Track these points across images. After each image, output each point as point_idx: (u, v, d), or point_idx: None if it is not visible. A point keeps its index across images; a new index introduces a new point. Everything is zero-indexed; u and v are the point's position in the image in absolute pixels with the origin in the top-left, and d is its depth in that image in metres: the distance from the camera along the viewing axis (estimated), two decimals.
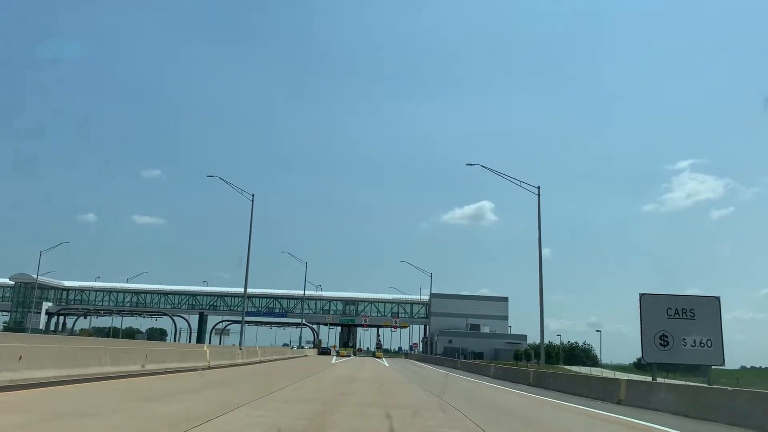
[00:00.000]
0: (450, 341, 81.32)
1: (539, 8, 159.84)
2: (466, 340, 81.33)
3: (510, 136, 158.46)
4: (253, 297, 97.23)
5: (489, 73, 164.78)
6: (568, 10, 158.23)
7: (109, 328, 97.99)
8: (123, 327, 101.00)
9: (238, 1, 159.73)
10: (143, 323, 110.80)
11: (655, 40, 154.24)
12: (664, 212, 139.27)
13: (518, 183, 29.75)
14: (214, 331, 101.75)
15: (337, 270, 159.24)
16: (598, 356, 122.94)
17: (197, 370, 23.97)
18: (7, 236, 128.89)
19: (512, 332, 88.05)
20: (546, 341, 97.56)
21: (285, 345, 76.68)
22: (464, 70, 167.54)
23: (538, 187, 29.63)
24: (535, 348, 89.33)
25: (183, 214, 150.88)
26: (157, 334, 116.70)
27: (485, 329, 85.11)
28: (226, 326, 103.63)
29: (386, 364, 50.34)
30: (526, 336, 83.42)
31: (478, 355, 75.52)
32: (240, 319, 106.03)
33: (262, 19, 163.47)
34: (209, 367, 26.87)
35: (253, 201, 37.53)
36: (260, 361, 40.16)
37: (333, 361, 47.97)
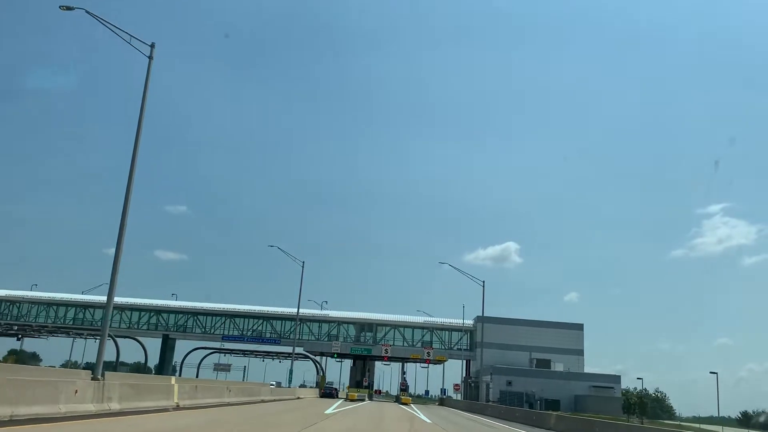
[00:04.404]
0: (509, 383, 60.36)
1: (565, 53, 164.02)
2: (531, 382, 60.26)
3: (536, 180, 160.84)
4: (236, 316, 77.59)
5: (515, 118, 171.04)
6: (594, 51, 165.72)
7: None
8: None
9: (263, 40, 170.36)
10: (83, 346, 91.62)
11: (684, 79, 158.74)
12: (693, 258, 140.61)
13: None
14: (186, 363, 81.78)
15: (352, 299, 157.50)
16: (674, 408, 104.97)
17: None
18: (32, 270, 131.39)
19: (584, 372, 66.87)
20: (626, 386, 75.39)
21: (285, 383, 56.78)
22: (491, 115, 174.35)
23: None
24: (642, 397, 67.85)
25: (206, 250, 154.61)
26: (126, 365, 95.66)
27: (558, 366, 63.90)
28: (204, 357, 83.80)
29: (424, 417, 30.14)
30: (619, 377, 62.19)
31: (553, 404, 54.69)
32: (219, 347, 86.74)
33: (287, 57, 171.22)
34: None
35: (150, 60, 18.48)
36: (176, 407, 21.26)
37: (329, 411, 28.01)
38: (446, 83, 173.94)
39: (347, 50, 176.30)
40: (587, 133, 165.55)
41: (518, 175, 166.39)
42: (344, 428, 17.53)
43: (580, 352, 70.03)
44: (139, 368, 76.25)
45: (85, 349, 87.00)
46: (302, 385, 79.34)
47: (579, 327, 71.38)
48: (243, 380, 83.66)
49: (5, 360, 68.96)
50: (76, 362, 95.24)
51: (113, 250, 18.26)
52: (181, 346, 79.49)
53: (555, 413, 31.63)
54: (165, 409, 19.60)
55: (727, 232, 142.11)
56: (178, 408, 21.06)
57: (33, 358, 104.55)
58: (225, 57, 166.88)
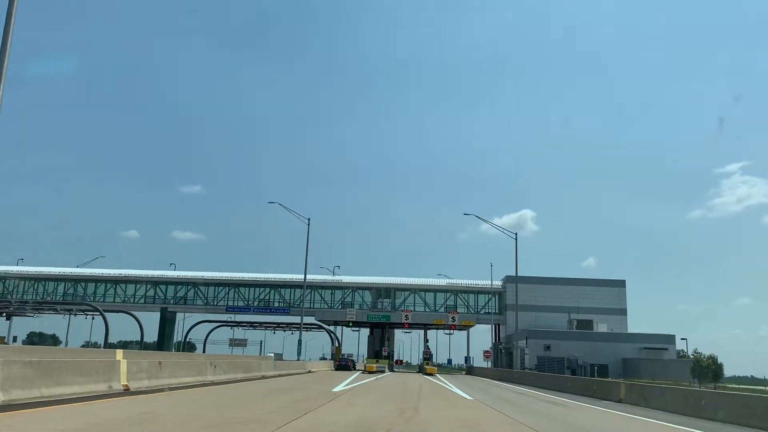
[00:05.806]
0: (548, 347, 54.48)
1: (574, 16, 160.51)
2: (573, 346, 54.37)
3: (552, 144, 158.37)
4: (241, 285, 72.10)
5: (527, 81, 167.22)
6: (608, 9, 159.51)
7: None
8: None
9: (273, 17, 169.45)
10: (78, 324, 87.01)
11: (700, 35, 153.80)
12: (712, 218, 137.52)
13: None
14: (192, 338, 76.75)
15: (367, 267, 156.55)
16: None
17: None
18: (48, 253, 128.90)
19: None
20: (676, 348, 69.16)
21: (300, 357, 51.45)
22: (505, 81, 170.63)
23: None
24: (714, 359, 60.78)
25: (222, 229, 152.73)
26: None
27: (600, 328, 57.81)
28: (210, 331, 78.73)
29: (461, 392, 24.13)
30: (674, 337, 55.96)
31: (600, 370, 48.79)
32: (228, 320, 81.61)
33: (296, 34, 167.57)
34: None
35: None
36: (124, 391, 15.25)
37: (338, 388, 22.07)
38: (452, 48, 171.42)
39: (362, 21, 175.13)
40: (600, 95, 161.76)
41: (532, 141, 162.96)
42: (351, 420, 11.38)
43: (622, 312, 63.78)
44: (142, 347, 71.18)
45: (93, 327, 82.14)
46: (322, 358, 74.27)
47: (620, 284, 65.01)
48: (260, 355, 78.72)
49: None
50: (96, 342, 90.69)
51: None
52: (188, 322, 74.46)
53: (624, 382, 25.48)
54: (99, 396, 13.60)
55: (746, 191, 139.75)
56: (125, 392, 15.04)
57: (52, 340, 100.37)
58: (236, 32, 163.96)
